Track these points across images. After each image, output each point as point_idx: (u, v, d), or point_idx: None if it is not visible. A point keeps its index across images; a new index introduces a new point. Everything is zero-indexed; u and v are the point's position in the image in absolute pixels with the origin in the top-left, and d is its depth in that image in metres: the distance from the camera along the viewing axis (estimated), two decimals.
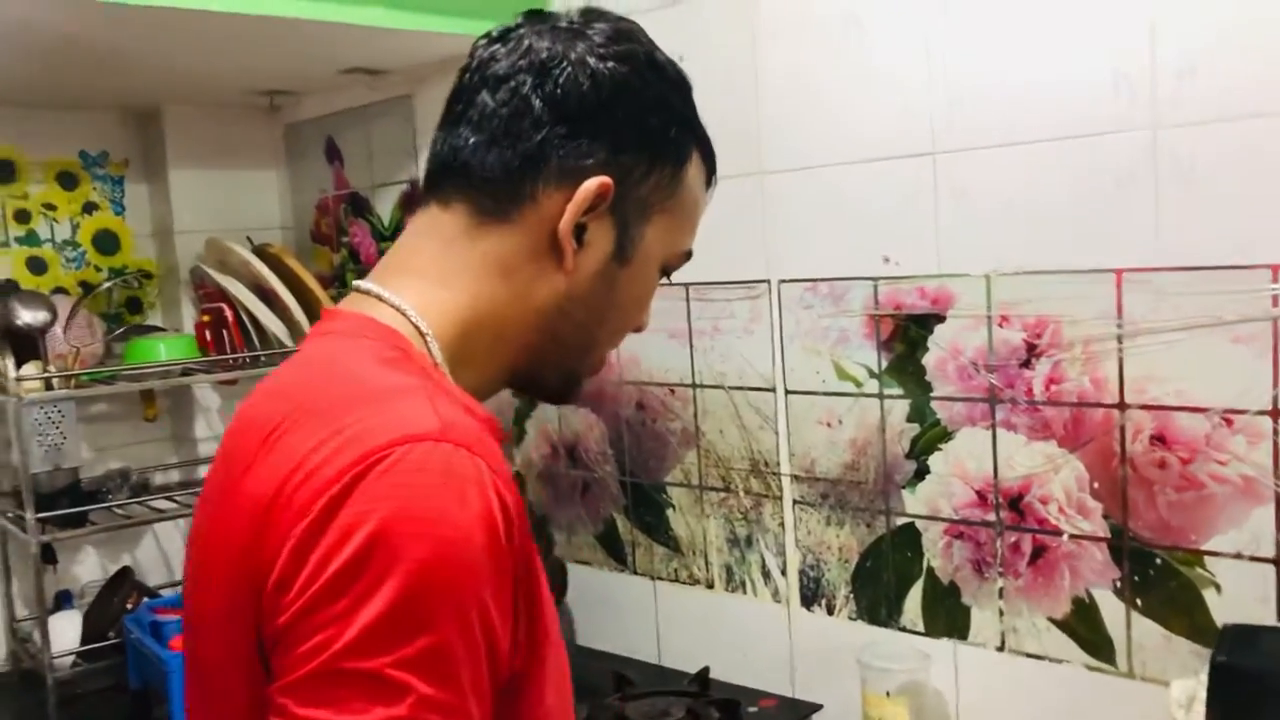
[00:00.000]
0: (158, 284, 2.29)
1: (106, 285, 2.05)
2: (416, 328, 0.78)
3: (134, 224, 2.26)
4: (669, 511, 1.82)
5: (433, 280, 0.80)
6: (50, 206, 2.14)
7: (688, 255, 0.90)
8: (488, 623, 0.64)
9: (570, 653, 1.90)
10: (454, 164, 0.81)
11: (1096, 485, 1.36)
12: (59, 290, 2.11)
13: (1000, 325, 1.41)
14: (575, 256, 0.80)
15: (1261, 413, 1.23)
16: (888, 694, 1.45)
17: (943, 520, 1.50)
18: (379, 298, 0.79)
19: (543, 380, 0.87)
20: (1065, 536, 1.39)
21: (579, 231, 0.80)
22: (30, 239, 2.11)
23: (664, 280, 0.90)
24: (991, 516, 1.45)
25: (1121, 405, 1.32)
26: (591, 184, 0.79)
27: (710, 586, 1.79)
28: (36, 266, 2.11)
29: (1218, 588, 1.28)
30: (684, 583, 1.82)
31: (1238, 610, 1.26)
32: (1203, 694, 1.20)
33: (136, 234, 2.26)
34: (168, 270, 2.27)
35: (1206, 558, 1.28)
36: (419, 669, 0.61)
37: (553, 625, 0.74)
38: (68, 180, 2.16)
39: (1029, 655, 1.44)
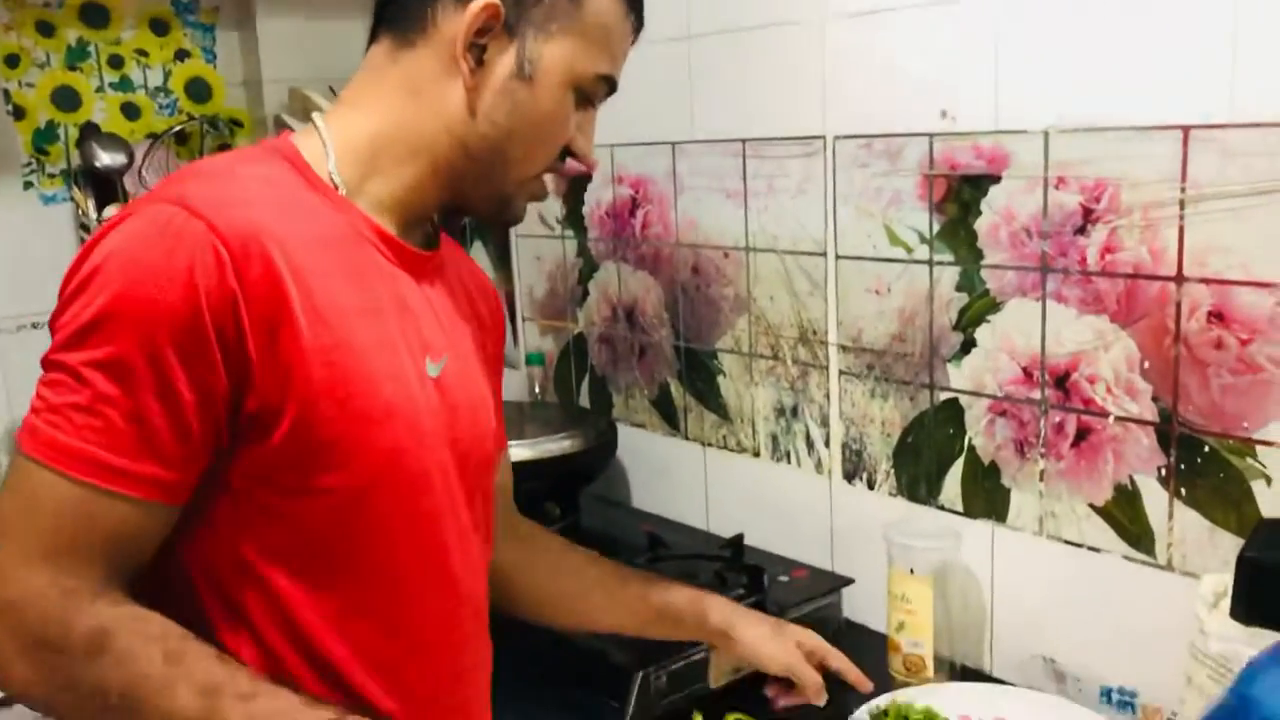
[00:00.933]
0: (249, 133, 2.33)
1: (178, 128, 2.10)
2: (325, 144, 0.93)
3: (226, 73, 2.29)
4: (720, 378, 1.78)
5: (354, 106, 0.95)
6: (143, 53, 2.18)
7: (608, 83, 0.97)
8: (188, 358, 0.79)
9: (622, 514, 1.90)
10: (380, 8, 0.95)
11: (1147, 365, 1.25)
12: (152, 136, 2.17)
13: (1056, 187, 1.30)
14: (476, 74, 0.91)
15: None
16: (911, 571, 1.40)
17: (987, 397, 1.42)
18: (315, 124, 0.95)
19: (472, 198, 0.98)
20: (1111, 418, 1.29)
21: (479, 51, 0.91)
22: (124, 84, 2.16)
23: (590, 107, 0.97)
24: (1036, 394, 1.36)
25: (1179, 278, 1.21)
26: (477, 5, 0.89)
27: (756, 455, 1.75)
28: (130, 112, 2.17)
29: (1268, 480, 1.17)
30: (732, 450, 1.79)
31: None
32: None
33: (229, 83, 2.30)
34: (258, 120, 2.31)
35: (1259, 447, 1.18)
36: (103, 371, 0.78)
37: (337, 362, 0.85)
38: (160, 27, 2.19)
39: (1066, 542, 1.36)
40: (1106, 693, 1.35)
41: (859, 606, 1.59)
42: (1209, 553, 1.23)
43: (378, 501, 0.90)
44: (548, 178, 1.02)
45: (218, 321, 0.80)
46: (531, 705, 1.38)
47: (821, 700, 1.22)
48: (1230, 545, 1.21)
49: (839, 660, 1.24)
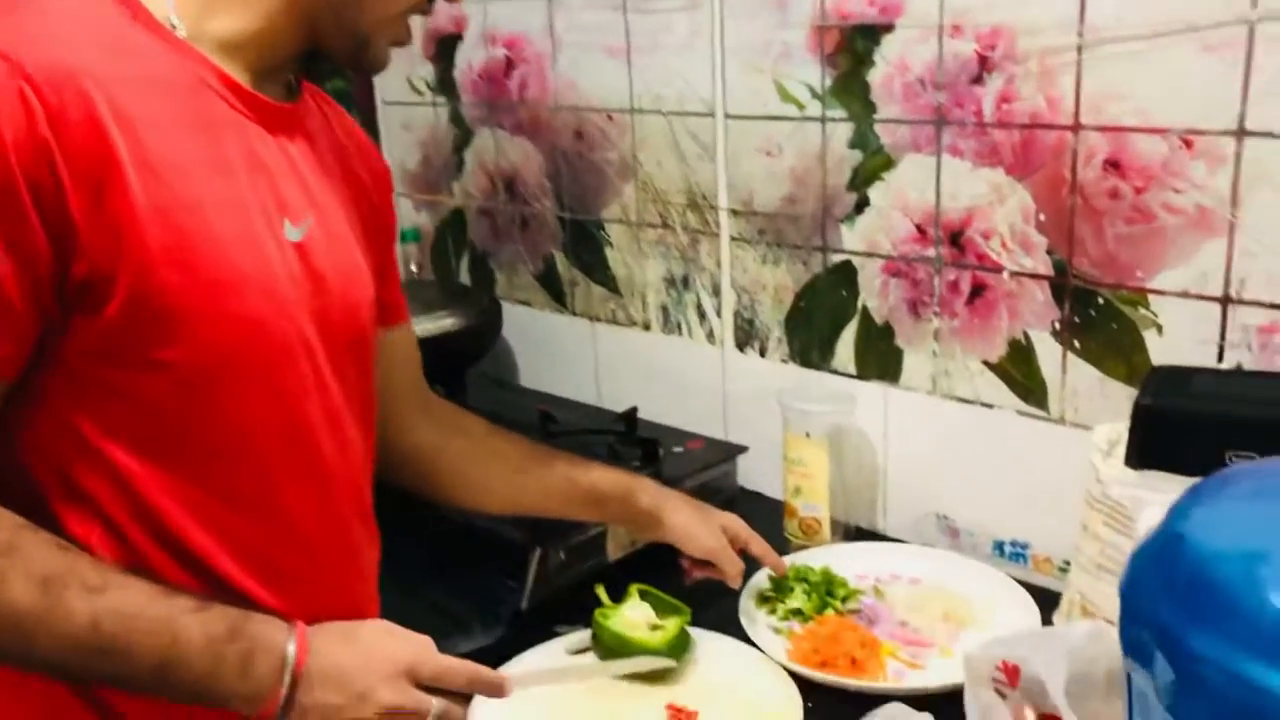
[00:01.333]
0: None
1: None
2: None
3: None
4: (607, 250, 1.72)
5: None
6: None
7: None
8: None
9: (511, 394, 1.84)
10: None
11: (1043, 217, 1.24)
12: None
13: (952, 36, 1.25)
14: None
15: (1225, 133, 1.09)
16: (808, 435, 1.39)
17: (880, 257, 1.39)
18: None
19: (327, 38, 0.88)
20: (1006, 274, 1.28)
21: None
22: None
23: None
24: (931, 252, 1.34)
25: (1076, 127, 1.18)
26: None
27: (647, 328, 1.70)
28: None
29: (1159, 329, 1.18)
30: (622, 324, 1.74)
31: (1178, 353, 1.16)
32: (1125, 437, 1.13)
33: None
34: None
35: (1151, 296, 1.18)
36: None
37: (175, 222, 0.77)
38: None
39: (960, 400, 1.36)
40: (999, 546, 1.37)
41: (753, 474, 1.58)
42: (1100, 404, 1.24)
43: (232, 377, 0.83)
44: (415, 24, 0.93)
45: (30, 175, 0.71)
46: (424, 589, 1.33)
47: (739, 584, 1.22)
48: (1121, 395, 1.22)
49: (759, 546, 1.24)
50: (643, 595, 1.21)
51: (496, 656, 1.22)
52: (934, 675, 1.15)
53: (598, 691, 1.13)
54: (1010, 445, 1.33)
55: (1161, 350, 1.18)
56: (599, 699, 1.12)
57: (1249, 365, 1.12)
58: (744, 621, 1.24)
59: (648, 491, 1.22)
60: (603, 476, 1.21)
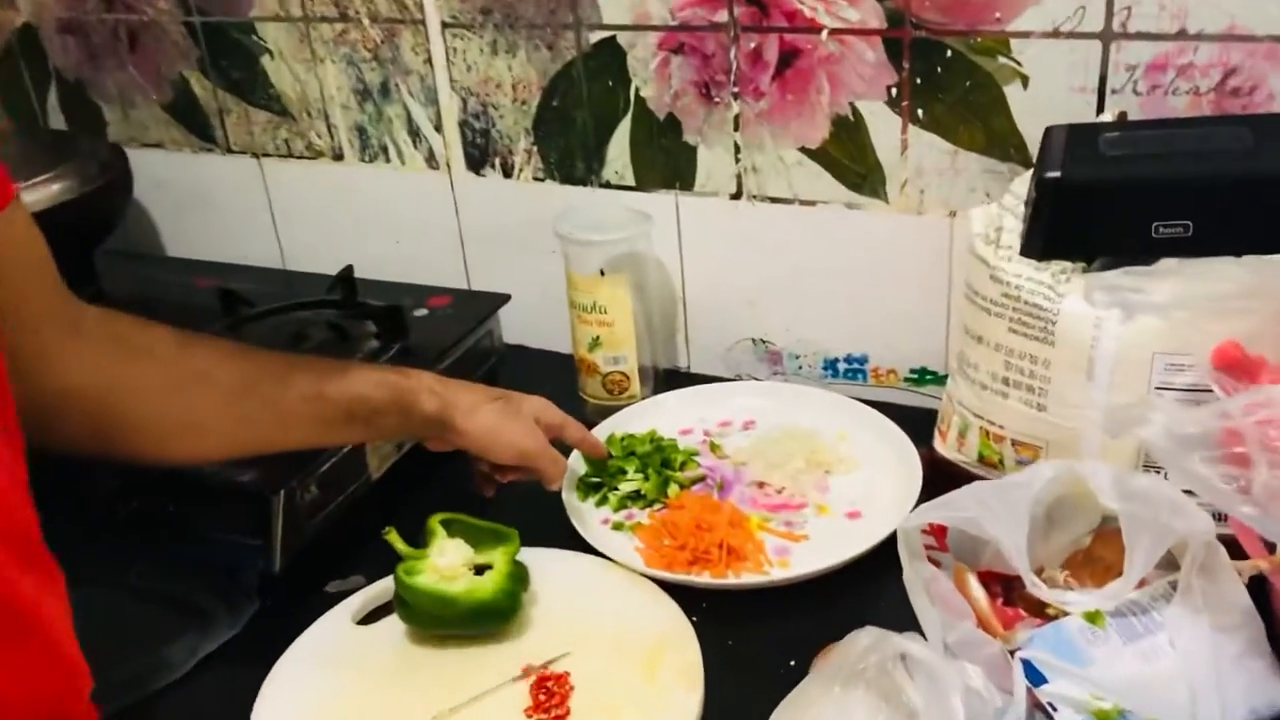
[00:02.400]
0: None
1: None
2: None
3: None
4: (265, 60, 1.28)
5: None
6: None
7: None
8: None
9: (159, 271, 1.38)
10: None
11: None
12: None
13: None
14: None
15: None
16: (601, 273, 1.09)
17: (655, 29, 1.08)
18: None
19: None
20: (825, 33, 1.01)
21: None
22: None
23: None
24: (723, 16, 1.04)
25: None
26: None
27: (339, 158, 1.31)
28: None
29: (1024, 81, 0.96)
30: (301, 156, 1.33)
31: (1048, 109, 0.95)
32: (1009, 222, 0.92)
33: None
34: None
35: (1013, 41, 0.95)
36: None
37: None
38: None
39: (772, 200, 1.11)
40: (830, 364, 1.17)
41: (514, 325, 1.26)
42: (952, 184, 1.03)
43: None
44: None
45: None
46: (125, 577, 0.95)
47: (560, 485, 0.94)
48: (975, 170, 1.01)
49: (576, 430, 0.99)
50: (448, 528, 0.90)
51: (257, 647, 0.88)
52: (826, 547, 0.93)
53: (430, 672, 0.82)
54: (839, 246, 1.10)
55: (1027, 108, 0.97)
56: (434, 684, 0.82)
57: (1134, 114, 0.94)
58: (575, 523, 0.97)
59: (429, 391, 0.89)
60: (363, 382, 0.87)
